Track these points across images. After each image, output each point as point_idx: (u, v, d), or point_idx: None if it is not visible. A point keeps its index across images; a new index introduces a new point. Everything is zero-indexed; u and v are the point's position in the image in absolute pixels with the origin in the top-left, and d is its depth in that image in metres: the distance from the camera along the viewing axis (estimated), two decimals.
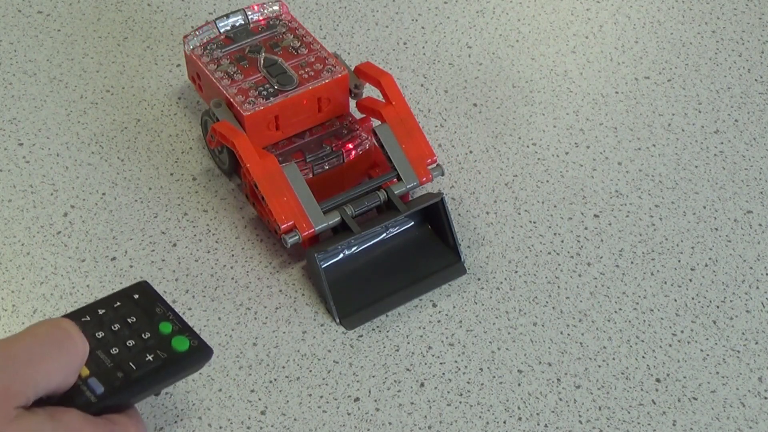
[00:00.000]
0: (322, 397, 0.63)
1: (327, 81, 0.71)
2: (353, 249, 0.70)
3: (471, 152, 0.79)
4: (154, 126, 0.80)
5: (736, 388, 0.64)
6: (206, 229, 0.72)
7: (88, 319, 0.52)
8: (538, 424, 0.62)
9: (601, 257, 0.72)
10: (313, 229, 0.66)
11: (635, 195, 0.76)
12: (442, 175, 0.71)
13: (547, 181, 0.76)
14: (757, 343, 0.67)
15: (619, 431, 0.62)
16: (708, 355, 0.66)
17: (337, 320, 0.66)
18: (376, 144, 0.71)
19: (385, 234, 0.71)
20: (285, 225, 0.66)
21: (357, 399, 0.63)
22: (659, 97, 0.84)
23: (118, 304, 0.53)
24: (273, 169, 0.67)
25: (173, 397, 0.63)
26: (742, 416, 0.63)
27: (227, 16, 0.75)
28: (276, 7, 0.77)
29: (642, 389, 0.64)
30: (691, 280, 0.70)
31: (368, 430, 0.62)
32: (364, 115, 0.74)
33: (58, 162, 0.77)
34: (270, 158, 0.67)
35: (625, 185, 0.77)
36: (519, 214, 0.74)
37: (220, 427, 0.61)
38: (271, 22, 0.76)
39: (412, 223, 0.71)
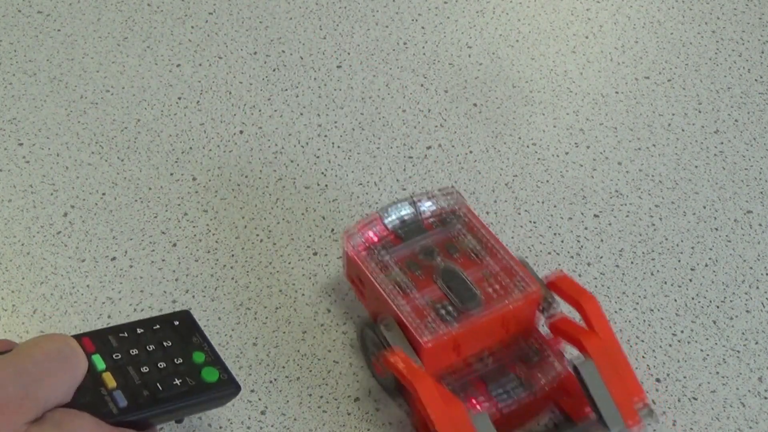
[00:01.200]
0: (322, 397, 0.63)
1: (518, 301, 0.59)
2: None
3: (471, 152, 0.79)
4: (154, 126, 0.80)
5: (736, 388, 0.64)
6: (206, 229, 0.72)
7: (126, 335, 0.53)
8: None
9: (601, 257, 0.72)
10: None
11: (635, 195, 0.76)
12: (657, 422, 0.61)
13: (547, 181, 0.76)
14: (757, 343, 0.67)
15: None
16: (708, 355, 0.66)
17: None
18: (571, 371, 0.59)
19: None
20: None
21: (357, 399, 0.63)
22: (659, 97, 0.84)
23: (157, 327, 0.54)
24: (461, 420, 0.55)
25: None
26: (742, 416, 0.63)
27: (396, 205, 0.63)
28: (452, 198, 0.65)
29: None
30: (691, 280, 0.70)
31: (368, 430, 0.62)
32: (553, 335, 0.62)
33: (58, 162, 0.77)
34: (458, 407, 0.55)
35: (625, 185, 0.77)
36: (519, 214, 0.74)
37: (220, 427, 0.61)
38: (446, 217, 0.64)
39: None
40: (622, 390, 0.58)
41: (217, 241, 0.71)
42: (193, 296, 0.68)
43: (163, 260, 0.70)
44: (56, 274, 0.69)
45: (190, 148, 0.78)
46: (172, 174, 0.76)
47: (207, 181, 0.75)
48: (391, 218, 0.63)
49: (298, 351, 0.65)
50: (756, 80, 0.86)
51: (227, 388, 0.53)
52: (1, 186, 0.75)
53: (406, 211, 0.64)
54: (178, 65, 0.85)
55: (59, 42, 0.86)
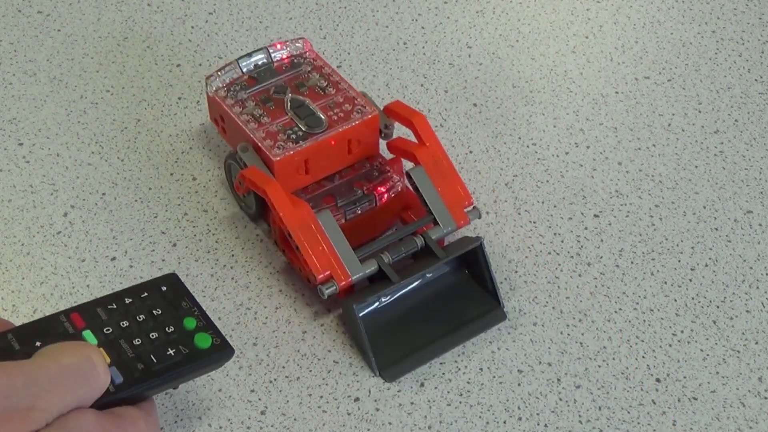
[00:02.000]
0: (322, 397, 0.63)
1: (357, 122, 0.68)
2: (390, 297, 0.67)
3: (471, 152, 0.79)
4: (154, 126, 0.80)
5: (736, 388, 0.64)
6: (206, 229, 0.72)
7: (114, 306, 0.52)
8: (538, 424, 0.62)
9: (601, 257, 0.72)
10: (350, 279, 0.64)
11: (635, 195, 0.76)
12: (479, 217, 0.69)
13: (547, 181, 0.76)
14: (757, 343, 0.67)
15: (619, 431, 0.62)
16: (708, 355, 0.66)
17: (377, 372, 0.64)
18: (409, 186, 0.69)
19: (422, 280, 0.68)
20: (321, 275, 0.63)
21: (357, 399, 0.63)
22: (659, 97, 0.84)
23: (145, 294, 0.53)
24: (307, 217, 0.64)
25: (173, 397, 0.63)
26: (742, 416, 0.63)
27: (250, 55, 0.73)
28: (300, 44, 0.74)
29: (642, 389, 0.64)
30: (691, 280, 0.70)
31: (368, 430, 0.62)
32: (394, 156, 0.72)
33: (58, 162, 0.77)
34: (304, 206, 0.65)
35: (625, 185, 0.77)
36: (519, 214, 0.74)
37: (220, 427, 0.61)
38: (295, 61, 0.73)
39: (449, 268, 0.69)
40: (452, 195, 0.68)
41: (217, 241, 0.71)
42: (193, 296, 0.68)
43: (163, 260, 0.70)
44: (56, 274, 0.69)
45: (190, 148, 0.78)
46: (172, 174, 0.76)
47: (207, 181, 0.75)
48: (246, 62, 0.72)
49: (298, 351, 0.65)
50: (756, 80, 0.86)
51: (221, 352, 0.52)
52: (1, 186, 0.75)
53: (259, 56, 0.73)
54: (178, 65, 0.85)
55: (59, 42, 0.86)
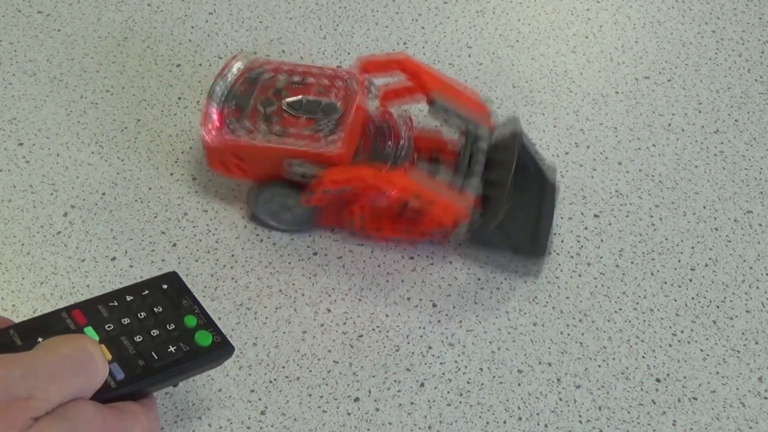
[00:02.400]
0: (322, 397, 0.63)
1: (359, 92, 0.70)
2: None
3: None
4: (154, 126, 0.80)
5: (736, 388, 0.64)
6: (206, 229, 0.72)
7: (116, 304, 0.52)
8: (538, 424, 0.62)
9: (601, 257, 0.72)
10: (468, 213, 0.66)
11: (635, 195, 0.76)
12: (493, 103, 0.72)
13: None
14: (757, 343, 0.67)
15: (619, 431, 0.62)
16: (708, 355, 0.66)
17: (543, 255, 0.68)
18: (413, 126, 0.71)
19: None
20: (452, 224, 0.66)
21: (357, 399, 0.63)
22: (659, 97, 0.84)
23: (146, 292, 0.54)
24: (408, 179, 0.65)
25: (173, 397, 0.63)
26: (742, 416, 0.63)
27: (211, 90, 0.69)
28: (240, 63, 0.72)
29: (642, 389, 0.64)
30: (691, 280, 0.70)
31: (368, 430, 0.62)
32: (385, 113, 0.73)
33: (58, 162, 0.77)
34: (400, 172, 0.66)
35: (625, 185, 0.77)
36: None
37: (220, 427, 0.61)
38: (250, 75, 0.71)
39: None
40: (470, 102, 0.70)
41: (217, 241, 0.71)
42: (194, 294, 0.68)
43: (163, 260, 0.70)
44: (56, 274, 0.69)
45: (190, 148, 0.78)
46: (172, 174, 0.76)
47: (207, 181, 0.75)
48: (216, 97, 0.69)
49: (298, 351, 0.65)
50: (756, 80, 0.86)
51: (221, 350, 0.53)
52: (1, 186, 0.75)
53: (219, 86, 0.70)
54: (178, 65, 0.85)
55: (59, 42, 0.86)
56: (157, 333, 0.52)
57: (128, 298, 0.53)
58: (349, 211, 0.69)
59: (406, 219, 0.69)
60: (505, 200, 0.66)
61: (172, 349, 0.51)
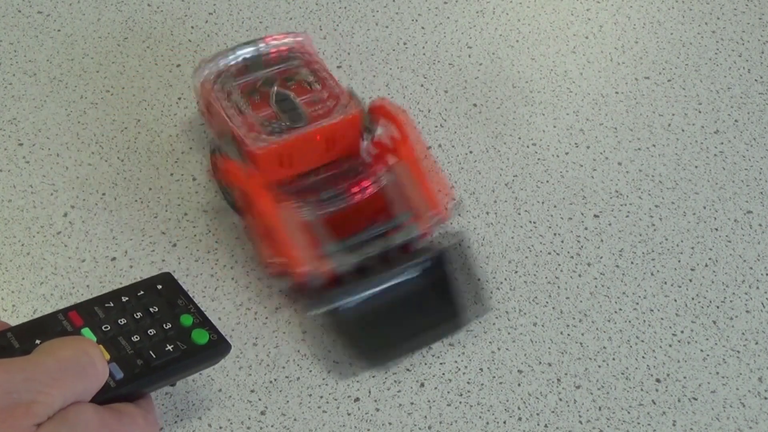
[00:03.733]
0: (322, 397, 0.63)
1: (338, 120, 0.69)
2: (359, 295, 0.66)
3: (471, 152, 0.79)
4: (154, 126, 0.80)
5: (736, 388, 0.64)
6: (206, 229, 0.72)
7: (112, 305, 0.53)
8: (538, 424, 0.62)
9: (601, 257, 0.72)
10: (303, 264, 0.64)
11: (635, 195, 0.76)
12: (461, 212, 0.71)
13: (547, 182, 0.76)
14: (757, 343, 0.67)
15: (619, 431, 0.62)
16: (708, 355, 0.66)
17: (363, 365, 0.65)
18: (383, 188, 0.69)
19: (394, 278, 0.68)
20: (301, 268, 0.64)
21: (357, 399, 0.63)
22: (659, 97, 0.84)
23: (142, 293, 0.54)
24: (274, 209, 0.65)
25: (173, 397, 0.63)
26: (742, 416, 0.63)
27: (242, 46, 0.73)
28: (292, 39, 0.74)
29: (642, 389, 0.64)
30: (691, 280, 0.70)
31: (368, 430, 0.62)
32: (374, 159, 0.72)
33: (58, 162, 0.77)
34: (284, 201, 0.65)
35: (625, 185, 0.77)
36: (519, 214, 0.74)
37: (220, 427, 0.61)
38: (288, 54, 0.73)
39: (422, 268, 0.68)
40: (426, 196, 0.68)
41: (217, 241, 0.71)
42: (193, 296, 0.68)
43: (163, 260, 0.70)
44: (56, 274, 0.69)
45: (190, 148, 0.78)
46: (172, 174, 0.76)
47: (207, 181, 0.75)
48: (236, 54, 0.73)
49: (298, 351, 0.65)
50: (756, 80, 0.86)
51: (218, 348, 0.53)
52: (1, 186, 0.75)
53: (248, 49, 0.73)
54: (178, 65, 0.85)
55: (59, 42, 0.86)
56: (153, 332, 0.52)
57: (124, 299, 0.53)
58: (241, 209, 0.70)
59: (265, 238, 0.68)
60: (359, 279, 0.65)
61: (169, 347, 0.51)
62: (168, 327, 0.52)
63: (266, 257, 0.67)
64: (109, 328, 0.51)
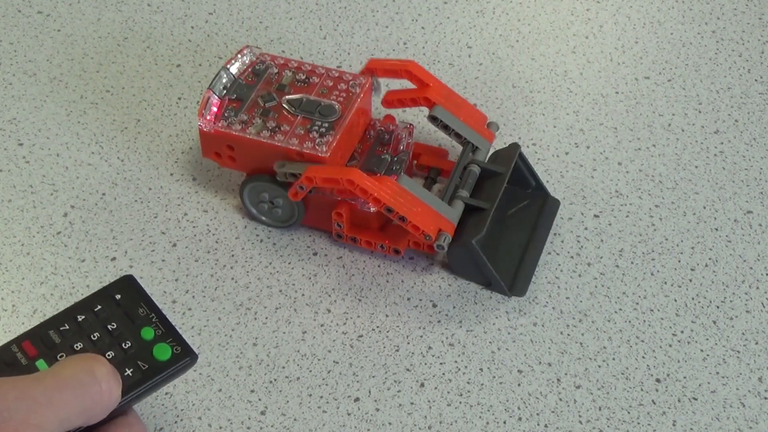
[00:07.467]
0: (322, 397, 0.63)
1: (363, 95, 0.70)
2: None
3: None
4: (154, 126, 0.80)
5: (736, 388, 0.64)
6: (206, 229, 0.72)
7: (67, 327, 0.50)
8: (538, 424, 0.62)
9: (601, 257, 0.72)
10: (454, 225, 0.67)
11: (635, 195, 0.76)
12: (498, 129, 0.75)
13: (547, 182, 0.76)
14: (757, 343, 0.67)
15: (619, 431, 0.62)
16: (708, 355, 0.66)
17: (509, 293, 0.68)
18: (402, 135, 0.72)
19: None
20: (434, 233, 0.65)
21: (357, 399, 0.63)
22: (659, 97, 0.84)
23: (99, 307, 0.52)
24: (396, 187, 0.66)
25: (173, 397, 0.63)
26: (742, 416, 0.63)
27: (214, 82, 0.69)
28: (249, 51, 0.72)
29: (642, 389, 0.64)
30: (691, 280, 0.70)
31: (368, 430, 0.62)
32: (384, 119, 0.74)
33: (58, 162, 0.77)
34: (388, 180, 0.66)
35: (625, 185, 0.77)
36: None
37: (220, 427, 0.61)
38: (257, 68, 0.72)
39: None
40: (472, 119, 0.72)
41: (217, 241, 0.72)
42: (193, 296, 0.68)
43: (163, 260, 0.70)
44: (56, 274, 0.69)
45: (190, 148, 0.78)
46: (172, 174, 0.76)
47: (207, 181, 0.75)
48: (218, 88, 0.70)
49: (298, 351, 0.65)
50: (756, 80, 0.86)
51: (182, 361, 0.51)
52: (1, 186, 0.75)
53: (225, 78, 0.70)
54: (178, 65, 0.85)
55: (59, 42, 0.86)
56: (112, 355, 0.50)
57: (79, 318, 0.51)
58: (335, 214, 0.69)
59: (389, 233, 0.69)
60: (490, 211, 0.67)
61: (129, 372, 0.49)
62: (128, 346, 0.50)
63: (422, 239, 0.66)
64: (64, 356, 0.49)
